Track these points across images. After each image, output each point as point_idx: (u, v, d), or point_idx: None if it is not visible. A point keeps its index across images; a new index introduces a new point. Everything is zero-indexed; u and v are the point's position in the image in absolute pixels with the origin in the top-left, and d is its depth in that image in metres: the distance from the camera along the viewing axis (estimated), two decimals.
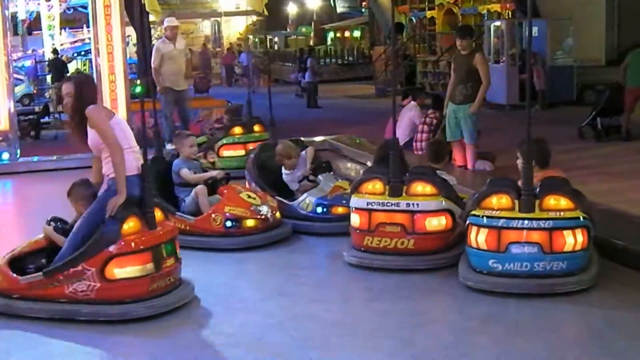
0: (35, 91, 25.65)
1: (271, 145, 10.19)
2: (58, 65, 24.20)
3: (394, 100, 8.40)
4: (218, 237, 8.35)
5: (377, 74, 31.07)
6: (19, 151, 14.67)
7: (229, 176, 9.01)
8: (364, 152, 13.74)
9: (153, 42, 18.29)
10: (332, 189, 8.99)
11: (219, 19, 51.29)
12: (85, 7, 21.13)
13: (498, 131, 15.10)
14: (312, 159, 9.52)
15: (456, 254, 7.20)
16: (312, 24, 49.37)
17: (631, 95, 14.33)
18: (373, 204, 7.44)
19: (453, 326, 6.05)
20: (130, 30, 21.90)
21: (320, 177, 9.24)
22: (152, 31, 21.00)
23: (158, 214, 6.63)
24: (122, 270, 6.29)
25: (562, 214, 6.50)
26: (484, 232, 6.61)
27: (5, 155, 14.34)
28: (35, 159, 14.87)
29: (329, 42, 48.60)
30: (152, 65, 14.00)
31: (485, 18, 28.13)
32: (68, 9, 28.88)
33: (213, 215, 8.39)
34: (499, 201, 6.65)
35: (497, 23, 22.88)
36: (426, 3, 33.43)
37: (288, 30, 48.87)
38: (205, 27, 47.53)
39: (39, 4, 27.99)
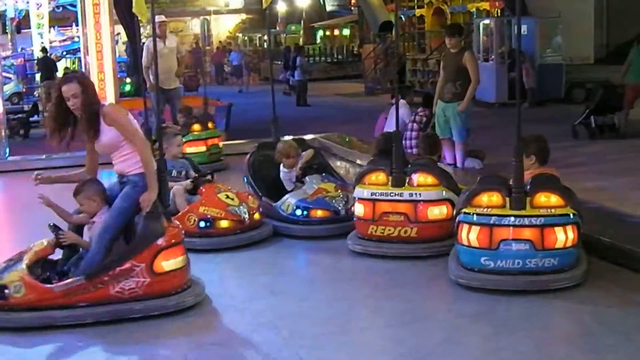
0: (24, 90, 25.62)
1: (270, 144, 10.10)
2: (47, 64, 24.17)
3: (397, 99, 8.39)
4: (192, 238, 8.02)
5: (367, 72, 31.13)
6: (8, 150, 14.64)
7: (212, 175, 8.96)
8: (353, 150, 13.74)
9: (143, 41, 18.24)
10: (315, 191, 8.82)
11: (208, 17, 51.23)
12: (75, 6, 21.15)
13: (487, 129, 15.15)
14: (307, 160, 9.37)
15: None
16: (302, 22, 49.31)
17: (633, 91, 14.37)
18: (377, 194, 7.72)
19: (443, 324, 6.05)
20: (120, 29, 21.85)
21: (307, 178, 9.09)
22: (142, 30, 20.91)
23: None
24: (168, 263, 6.38)
25: (553, 210, 6.52)
26: (475, 229, 6.61)
27: None
28: (25, 157, 14.77)
29: (318, 40, 48.58)
30: (143, 64, 13.95)
31: (475, 16, 28.24)
32: (57, 7, 28.80)
33: (188, 215, 8.28)
34: (490, 199, 6.66)
35: (486, 21, 22.98)
36: (415, 1, 33.50)
37: (277, 28, 48.83)
38: (194, 25, 47.49)
39: (27, 2, 27.91)
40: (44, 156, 14.55)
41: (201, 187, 8.60)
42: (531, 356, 5.37)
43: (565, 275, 6.54)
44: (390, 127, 12.17)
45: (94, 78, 14.88)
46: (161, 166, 6.58)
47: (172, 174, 8.79)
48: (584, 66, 23.14)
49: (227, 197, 8.50)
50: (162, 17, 14.64)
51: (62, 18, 33.38)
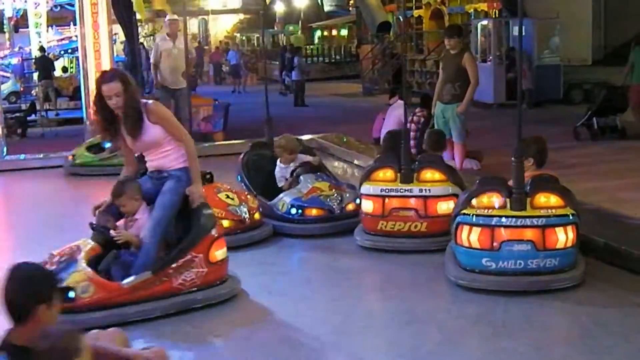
0: (22, 89, 25.63)
1: (264, 143, 10.15)
2: (45, 63, 24.13)
3: (404, 99, 8.43)
4: None
5: (365, 73, 31.13)
6: (5, 149, 14.63)
7: (211, 175, 8.97)
8: (351, 150, 13.74)
9: (141, 40, 18.21)
10: (309, 190, 8.87)
11: (206, 17, 51.25)
12: (73, 5, 21.09)
13: (485, 130, 15.15)
14: (310, 163, 9.39)
15: None
16: (300, 22, 49.34)
17: (637, 93, 14.31)
18: (387, 191, 7.89)
19: (441, 325, 6.04)
20: (118, 28, 21.83)
21: (301, 177, 9.11)
22: (140, 29, 20.92)
23: None
24: (219, 253, 6.63)
25: (553, 211, 6.54)
26: (476, 230, 6.61)
27: None
28: (22, 157, 14.78)
29: (316, 40, 48.62)
30: (151, 61, 13.96)
31: (472, 17, 28.24)
32: (55, 6, 28.73)
33: None
34: (490, 200, 6.67)
35: (484, 22, 22.97)
36: (413, 2, 33.50)
37: (275, 28, 48.85)
38: (192, 25, 47.47)
39: (25, 1, 27.89)
40: (41, 155, 14.57)
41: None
42: (530, 357, 5.37)
43: (565, 276, 6.56)
44: (387, 127, 12.18)
45: (91, 77, 14.86)
46: None
47: None
48: (581, 67, 23.13)
49: (227, 196, 8.50)
50: (175, 16, 14.57)
51: (60, 17, 33.35)
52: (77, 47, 19.28)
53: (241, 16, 48.04)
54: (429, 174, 7.91)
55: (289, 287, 7.13)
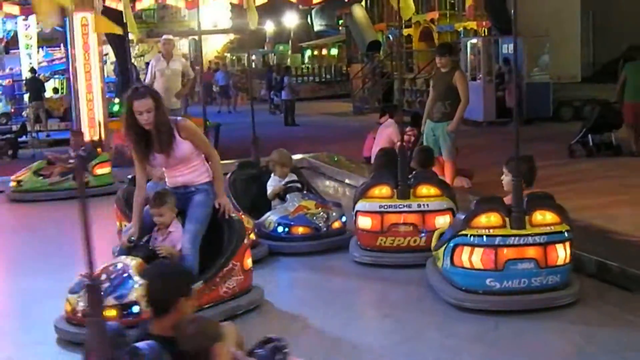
0: (12, 110, 25.60)
1: (250, 163, 10.18)
2: (35, 85, 24.12)
3: (400, 116, 8.47)
4: None
5: (355, 92, 31.19)
6: None
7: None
8: (342, 170, 13.75)
9: (132, 61, 18.15)
10: (296, 208, 8.98)
11: (196, 37, 51.30)
12: (63, 26, 21.10)
13: (475, 148, 15.18)
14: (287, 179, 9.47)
15: None
16: (290, 42, 49.43)
17: (630, 110, 14.26)
18: (385, 207, 8.03)
19: (433, 344, 6.03)
20: (108, 49, 21.84)
21: (288, 195, 9.23)
22: (130, 49, 20.90)
23: None
24: (249, 261, 7.00)
25: (552, 228, 6.57)
26: (478, 251, 6.55)
27: None
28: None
29: (306, 60, 48.70)
30: (146, 82, 13.92)
31: (462, 35, 28.34)
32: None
33: None
34: (488, 219, 6.62)
35: (474, 40, 23.04)
36: (403, 21, 33.58)
37: (266, 48, 48.91)
38: (182, 45, 47.47)
39: (16, 23, 27.90)
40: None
41: None
42: None
43: (567, 292, 6.61)
44: (378, 146, 12.17)
45: (82, 98, 14.89)
46: None
47: None
48: (571, 85, 23.20)
49: None
50: (169, 36, 14.50)
51: (50, 39, 33.35)
52: (67, 68, 19.32)
53: (231, 36, 48.07)
54: (424, 190, 8.10)
55: (280, 307, 7.11)
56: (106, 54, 23.25)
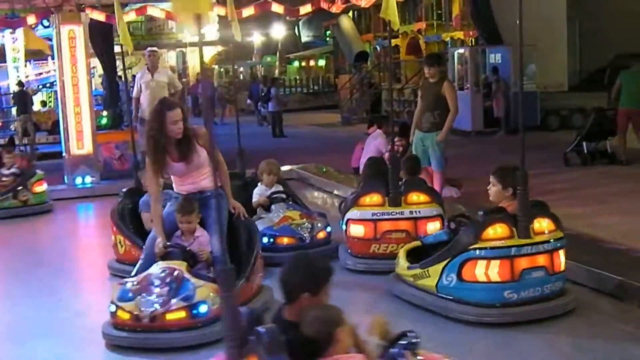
0: (0, 124, 25.51)
1: (236, 174, 10.16)
2: (23, 98, 24.06)
3: (389, 127, 8.52)
4: None
5: (343, 102, 31.23)
6: None
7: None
8: (330, 180, 13.76)
9: (119, 74, 18.11)
10: (281, 219, 9.07)
11: (184, 49, 51.28)
12: (50, 39, 21.09)
13: (464, 158, 15.20)
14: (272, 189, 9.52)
15: None
16: (277, 53, 49.49)
17: (624, 116, 14.26)
18: (378, 214, 8.20)
19: None
20: (96, 62, 21.80)
21: (273, 206, 9.29)
22: (118, 62, 20.86)
23: None
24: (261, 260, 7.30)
25: (553, 235, 6.65)
26: (495, 264, 6.46)
27: None
28: None
29: (294, 71, 48.75)
30: (133, 95, 13.90)
31: (449, 45, 28.43)
32: None
33: None
34: (495, 231, 6.55)
35: (461, 50, 23.13)
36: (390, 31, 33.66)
37: (253, 59, 48.91)
38: (170, 57, 47.44)
39: (3, 36, 27.87)
40: None
41: None
42: None
43: (570, 297, 6.71)
44: (366, 157, 12.18)
45: (70, 111, 14.84)
46: None
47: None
48: (558, 94, 23.28)
49: None
50: (154, 48, 14.47)
51: (38, 52, 33.33)
52: (55, 81, 19.28)
53: (219, 48, 48.09)
54: (415, 197, 8.30)
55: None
56: (94, 67, 23.20)
